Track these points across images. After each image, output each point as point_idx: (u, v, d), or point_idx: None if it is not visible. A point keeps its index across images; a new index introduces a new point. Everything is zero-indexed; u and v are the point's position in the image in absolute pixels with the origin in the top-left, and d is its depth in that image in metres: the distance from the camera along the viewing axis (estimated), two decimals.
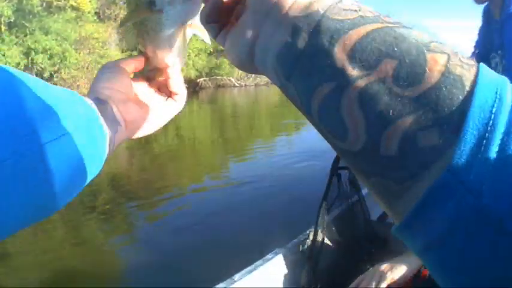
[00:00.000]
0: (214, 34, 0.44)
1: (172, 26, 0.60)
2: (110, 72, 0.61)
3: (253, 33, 0.37)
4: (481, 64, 0.28)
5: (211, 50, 40.00)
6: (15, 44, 20.13)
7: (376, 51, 0.29)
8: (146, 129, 0.65)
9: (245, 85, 43.25)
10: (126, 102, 0.59)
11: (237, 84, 42.23)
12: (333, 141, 0.32)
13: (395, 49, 0.29)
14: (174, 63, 0.67)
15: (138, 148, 11.68)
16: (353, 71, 0.30)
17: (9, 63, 19.55)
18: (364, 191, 2.43)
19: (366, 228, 2.25)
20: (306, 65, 0.32)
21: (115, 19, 31.24)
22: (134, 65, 0.65)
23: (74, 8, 24.28)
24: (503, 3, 1.64)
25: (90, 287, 4.07)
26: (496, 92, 0.26)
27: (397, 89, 0.28)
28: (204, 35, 0.63)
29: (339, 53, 0.30)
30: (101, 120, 0.52)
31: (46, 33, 21.17)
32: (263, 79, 45.85)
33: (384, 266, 1.63)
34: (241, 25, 0.38)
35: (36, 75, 21.75)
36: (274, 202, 5.93)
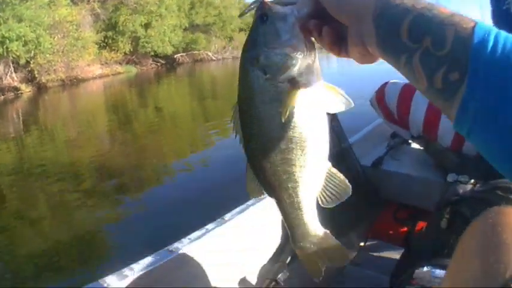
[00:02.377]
0: (338, 52, 0.71)
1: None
2: None
3: (360, 39, 0.64)
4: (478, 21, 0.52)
5: (187, 25, 39.91)
6: None
7: (421, 31, 0.55)
8: None
9: (223, 58, 42.97)
10: None
11: (214, 58, 42.13)
12: (413, 84, 0.59)
13: (429, 27, 0.54)
14: None
15: (119, 127, 11.77)
16: (411, 44, 0.56)
17: None
18: (351, 139, 2.51)
19: (360, 173, 2.28)
20: (389, 45, 0.59)
21: (88, 1, 31.10)
22: None
23: None
24: None
25: (77, 266, 4.09)
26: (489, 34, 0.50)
27: (435, 52, 0.53)
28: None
29: (403, 36, 0.56)
30: None
31: (19, 21, 21.11)
32: (240, 52, 45.46)
33: None
34: (353, 39, 0.66)
35: (13, 63, 21.86)
36: None
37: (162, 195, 5.75)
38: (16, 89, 21.83)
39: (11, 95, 21.16)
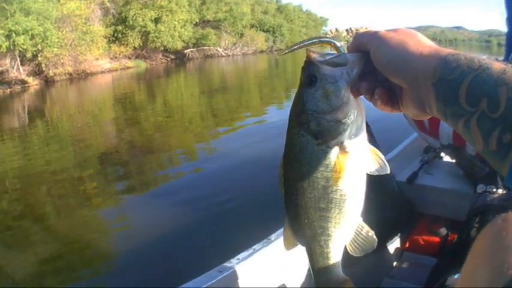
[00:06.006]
0: (390, 110, 0.71)
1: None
2: None
3: (419, 103, 0.64)
4: None
5: (197, 21, 39.87)
6: None
7: (477, 94, 0.54)
8: None
9: (232, 54, 43.20)
10: None
11: (224, 54, 42.24)
12: (471, 144, 0.58)
13: (484, 89, 0.53)
14: None
15: (126, 120, 11.76)
16: (469, 108, 0.55)
17: None
18: (387, 156, 2.64)
19: (395, 189, 2.36)
20: (449, 110, 0.58)
21: None
22: None
23: None
24: None
25: (80, 267, 4.04)
26: None
27: (490, 114, 0.53)
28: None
29: (462, 100, 0.56)
30: None
31: (27, 14, 21.04)
32: (250, 48, 46.10)
33: None
34: (411, 102, 0.66)
35: (20, 56, 21.84)
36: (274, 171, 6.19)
37: (168, 196, 5.70)
38: (23, 82, 21.84)
39: (18, 87, 21.19)
